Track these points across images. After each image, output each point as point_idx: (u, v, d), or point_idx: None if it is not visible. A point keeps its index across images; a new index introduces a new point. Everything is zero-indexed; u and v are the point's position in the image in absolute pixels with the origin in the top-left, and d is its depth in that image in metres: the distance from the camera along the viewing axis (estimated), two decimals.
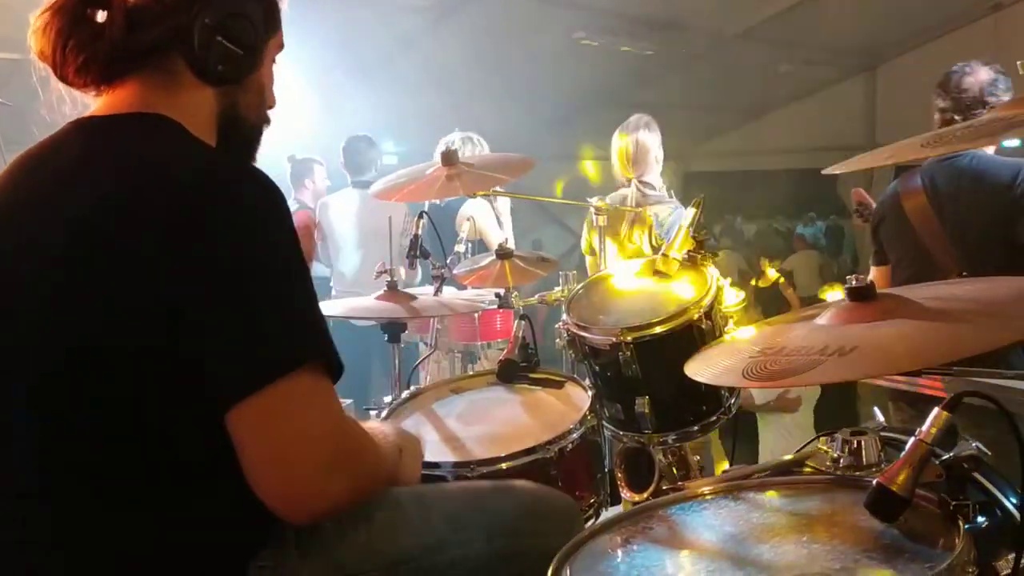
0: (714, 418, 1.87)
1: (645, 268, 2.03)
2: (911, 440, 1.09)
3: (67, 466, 1.09)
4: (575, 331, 1.89)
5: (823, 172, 1.58)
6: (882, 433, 1.41)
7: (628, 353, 1.78)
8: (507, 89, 6.46)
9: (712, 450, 3.15)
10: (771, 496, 1.27)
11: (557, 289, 2.61)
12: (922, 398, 1.56)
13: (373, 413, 2.21)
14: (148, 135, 1.18)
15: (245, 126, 1.32)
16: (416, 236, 2.52)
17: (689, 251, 1.90)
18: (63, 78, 1.23)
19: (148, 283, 1.05)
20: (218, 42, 1.19)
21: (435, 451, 1.76)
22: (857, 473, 1.30)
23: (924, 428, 1.09)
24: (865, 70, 8.65)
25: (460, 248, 3.12)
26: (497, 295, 2.65)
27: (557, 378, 2.05)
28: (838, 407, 4.57)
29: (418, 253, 2.52)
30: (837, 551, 1.06)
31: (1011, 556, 1.07)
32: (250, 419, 1.05)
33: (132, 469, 1.09)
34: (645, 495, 1.91)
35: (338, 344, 1.14)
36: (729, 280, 2.02)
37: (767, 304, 7.36)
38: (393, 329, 2.52)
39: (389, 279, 2.46)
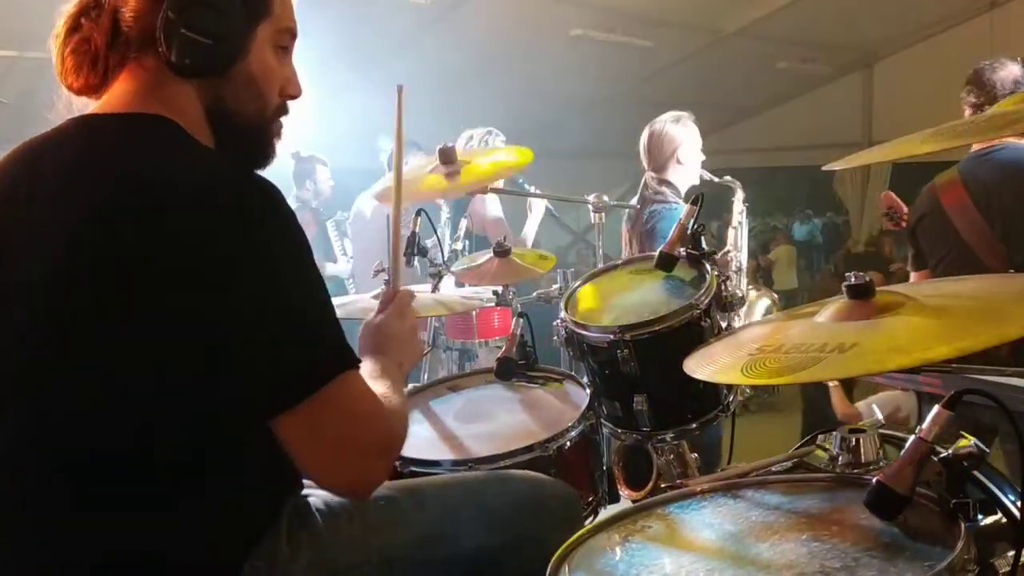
0: (712, 415, 1.87)
1: (643, 265, 2.03)
2: (911, 438, 1.09)
3: (60, 466, 1.09)
4: (573, 329, 1.89)
5: (823, 168, 1.57)
6: (880, 431, 1.41)
7: (626, 351, 1.77)
8: (506, 86, 6.45)
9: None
10: (770, 494, 1.27)
11: (555, 287, 2.61)
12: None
13: None
14: (146, 139, 1.17)
15: (240, 120, 1.26)
16: (413, 233, 2.52)
17: (687, 248, 1.89)
18: (68, 86, 1.24)
19: (151, 293, 1.05)
20: (182, 34, 1.16)
21: (433, 449, 1.76)
22: (856, 471, 1.30)
23: (924, 426, 1.09)
24: (862, 67, 8.66)
25: (457, 246, 3.12)
26: (495, 292, 2.64)
27: (555, 376, 2.04)
28: (827, 406, 4.59)
29: (415, 251, 2.52)
30: (837, 549, 1.06)
31: (1010, 554, 1.07)
32: (301, 423, 1.10)
33: (127, 470, 1.08)
34: (643, 493, 1.91)
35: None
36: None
37: None
38: None
39: (387, 277, 2.46)
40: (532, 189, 3.48)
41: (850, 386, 3.84)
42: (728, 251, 3.25)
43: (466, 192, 3.23)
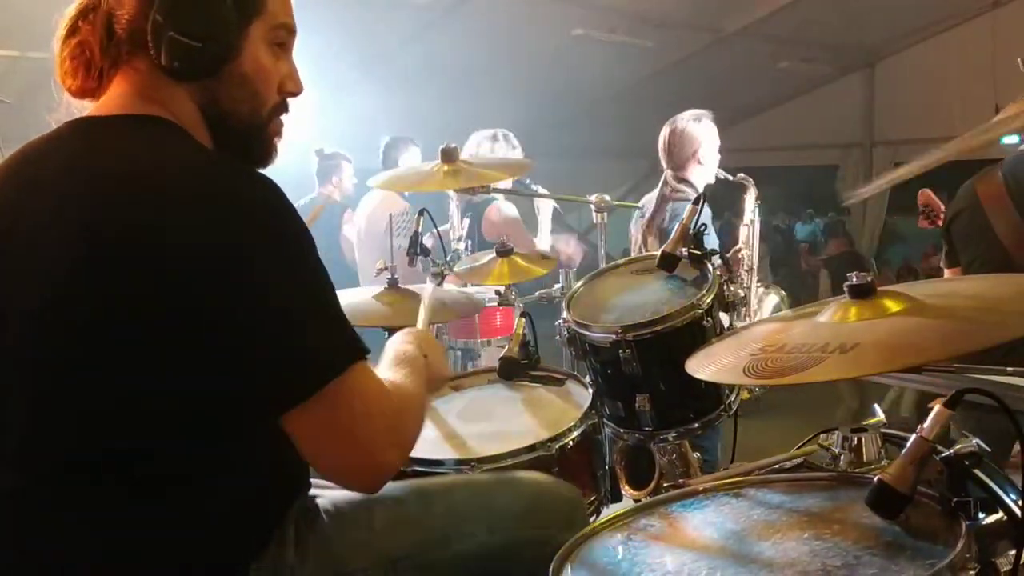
0: (715, 415, 1.87)
1: (645, 265, 2.03)
2: (912, 437, 1.09)
3: (65, 465, 1.09)
4: (575, 329, 1.89)
5: (845, 203, 1.54)
6: (882, 430, 1.42)
7: (628, 351, 1.78)
8: (509, 85, 6.46)
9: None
10: (772, 493, 1.28)
11: (557, 286, 2.62)
12: None
13: None
14: (142, 139, 1.17)
15: (236, 120, 1.24)
16: (416, 233, 2.52)
17: (689, 248, 1.90)
18: (68, 88, 1.24)
19: (152, 291, 1.05)
20: (171, 37, 1.15)
21: (436, 449, 1.77)
22: (858, 470, 1.30)
23: (926, 425, 1.09)
24: (864, 67, 8.64)
25: (459, 245, 3.12)
26: (497, 292, 2.64)
27: (558, 375, 2.05)
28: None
29: (418, 251, 2.52)
30: (839, 548, 1.06)
31: (1011, 553, 1.07)
32: (310, 419, 1.10)
33: (132, 470, 1.09)
34: (645, 492, 1.92)
35: None
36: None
37: None
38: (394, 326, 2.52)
39: (390, 276, 2.47)
40: (538, 189, 3.48)
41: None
42: (740, 248, 3.26)
43: (470, 192, 3.23)
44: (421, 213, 2.57)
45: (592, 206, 2.89)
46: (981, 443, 1.14)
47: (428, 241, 2.90)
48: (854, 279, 1.25)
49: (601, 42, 6.47)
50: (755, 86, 8.63)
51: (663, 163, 3.48)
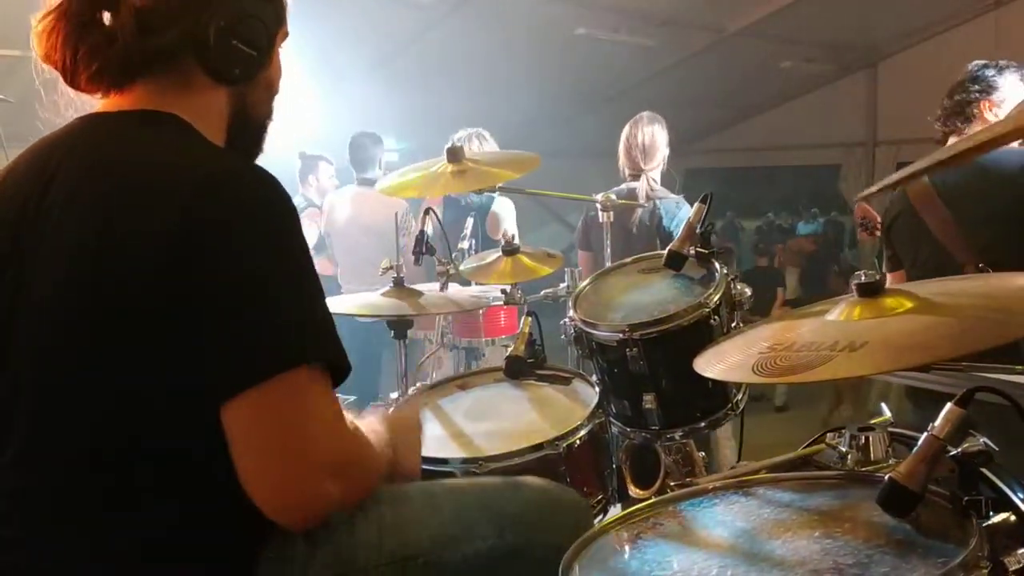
0: (722, 414, 1.87)
1: (652, 264, 2.03)
2: (924, 436, 1.09)
3: (72, 457, 1.09)
4: (582, 327, 1.89)
5: (856, 198, 1.56)
6: (890, 429, 1.42)
7: (635, 350, 1.78)
8: (510, 86, 6.45)
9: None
10: (782, 491, 1.27)
11: (563, 285, 2.62)
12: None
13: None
14: (158, 134, 1.17)
15: (254, 121, 1.31)
16: (422, 232, 2.52)
17: (696, 247, 1.90)
18: (74, 85, 1.21)
19: (155, 279, 1.05)
20: (233, 45, 1.18)
21: (443, 447, 1.77)
22: (868, 469, 1.30)
23: (937, 424, 1.09)
24: (866, 66, 8.64)
25: (464, 244, 3.12)
26: (503, 291, 2.64)
27: (564, 374, 2.05)
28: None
29: (424, 250, 2.52)
30: (850, 546, 1.06)
31: (1021, 551, 1.07)
32: (244, 415, 1.04)
33: (139, 459, 1.09)
34: (650, 491, 1.92)
35: (348, 337, 1.14)
36: None
37: None
38: (399, 326, 2.52)
39: (395, 275, 2.47)
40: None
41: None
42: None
43: (476, 192, 3.24)
44: (427, 212, 2.57)
45: (598, 205, 2.89)
46: (989, 442, 1.14)
47: (405, 239, 2.92)
48: (862, 277, 1.25)
49: (603, 41, 6.47)
50: (758, 85, 8.63)
51: (641, 164, 3.66)
